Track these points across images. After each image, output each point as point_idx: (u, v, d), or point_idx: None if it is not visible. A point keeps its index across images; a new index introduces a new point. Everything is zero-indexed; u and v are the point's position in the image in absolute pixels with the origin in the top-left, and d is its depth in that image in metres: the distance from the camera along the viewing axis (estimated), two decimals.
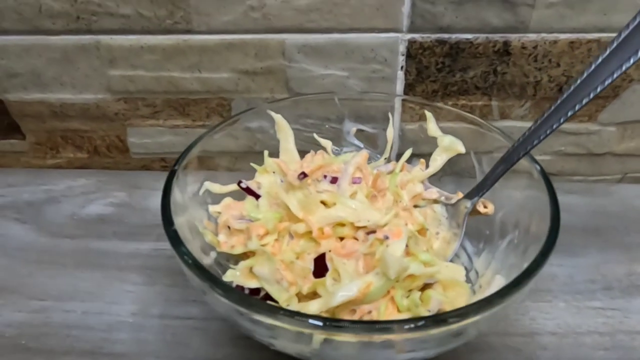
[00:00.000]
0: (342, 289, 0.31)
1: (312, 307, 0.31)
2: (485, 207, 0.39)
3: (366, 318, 0.31)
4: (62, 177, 0.55)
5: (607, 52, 0.33)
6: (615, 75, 0.32)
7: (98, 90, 0.52)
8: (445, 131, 0.43)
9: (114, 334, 0.38)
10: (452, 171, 0.43)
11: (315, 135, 0.45)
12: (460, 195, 0.42)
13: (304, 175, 0.36)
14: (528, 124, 0.53)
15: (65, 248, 0.46)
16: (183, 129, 0.54)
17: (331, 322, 0.25)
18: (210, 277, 0.28)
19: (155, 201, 0.52)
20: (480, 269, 0.37)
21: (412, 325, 0.25)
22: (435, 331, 0.25)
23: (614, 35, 0.47)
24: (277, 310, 0.26)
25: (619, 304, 0.41)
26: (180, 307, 0.41)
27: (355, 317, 0.31)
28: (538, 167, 0.36)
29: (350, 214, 0.36)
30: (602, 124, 0.52)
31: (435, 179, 0.44)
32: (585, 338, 0.38)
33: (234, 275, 0.35)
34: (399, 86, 0.50)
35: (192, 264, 0.29)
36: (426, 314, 0.31)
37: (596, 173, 0.56)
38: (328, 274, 0.34)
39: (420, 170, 0.43)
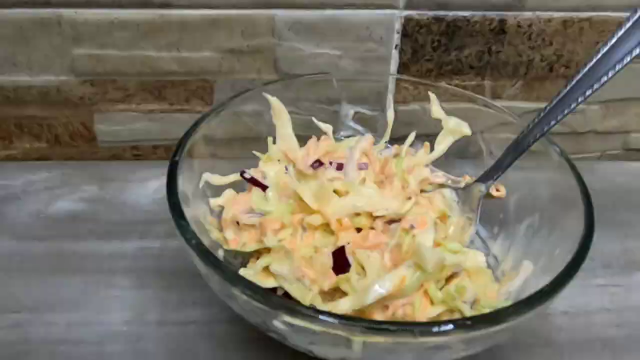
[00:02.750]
0: (375, 285, 0.29)
1: (343, 305, 0.29)
2: (497, 190, 0.38)
3: (400, 313, 0.29)
4: (20, 171, 0.49)
5: (624, 28, 0.32)
6: (635, 52, 0.32)
7: (60, 72, 0.46)
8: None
9: (108, 346, 0.34)
10: (454, 148, 0.42)
11: (314, 120, 0.42)
12: (467, 177, 0.41)
13: (319, 163, 0.34)
14: (519, 104, 0.54)
15: (36, 251, 0.41)
16: (159, 114, 0.49)
17: (397, 327, 0.23)
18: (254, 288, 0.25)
19: (132, 195, 0.47)
20: (500, 254, 0.37)
21: (470, 323, 0.24)
22: (493, 329, 0.24)
23: (605, 14, 0.48)
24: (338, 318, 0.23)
25: (621, 281, 0.42)
26: (180, 311, 0.37)
27: (389, 313, 0.29)
28: (557, 149, 0.35)
29: (367, 203, 0.34)
30: (587, 102, 0.52)
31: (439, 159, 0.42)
32: (595, 316, 0.39)
33: (248, 275, 0.32)
34: (393, 66, 0.48)
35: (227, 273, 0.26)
36: (462, 305, 0.30)
37: (577, 151, 0.57)
38: (352, 269, 0.32)
39: (425, 154, 0.41)
